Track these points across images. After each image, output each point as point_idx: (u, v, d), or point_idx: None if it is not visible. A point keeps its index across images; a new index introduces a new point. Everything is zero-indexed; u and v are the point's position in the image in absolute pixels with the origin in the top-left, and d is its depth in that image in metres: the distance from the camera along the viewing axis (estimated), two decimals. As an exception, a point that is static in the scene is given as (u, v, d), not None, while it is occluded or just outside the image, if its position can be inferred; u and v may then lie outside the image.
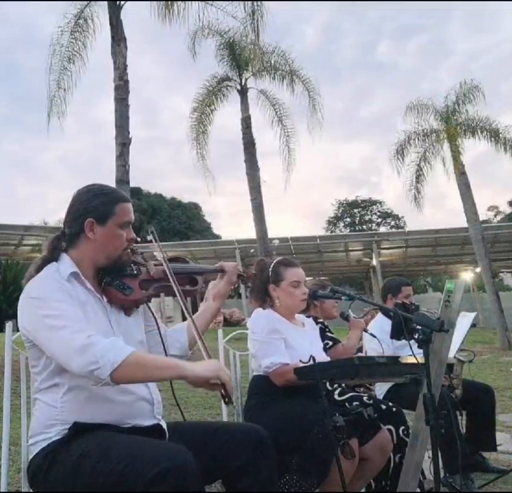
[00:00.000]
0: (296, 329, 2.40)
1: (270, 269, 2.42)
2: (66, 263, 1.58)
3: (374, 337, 2.76)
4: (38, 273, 1.55)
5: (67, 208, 1.64)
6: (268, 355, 2.21)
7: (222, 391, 1.39)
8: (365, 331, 2.92)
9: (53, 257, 1.60)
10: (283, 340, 2.27)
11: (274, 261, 2.46)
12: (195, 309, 1.82)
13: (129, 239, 1.64)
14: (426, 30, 77.79)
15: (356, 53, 76.00)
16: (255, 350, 2.30)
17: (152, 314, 1.77)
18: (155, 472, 1.24)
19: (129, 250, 1.66)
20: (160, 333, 1.74)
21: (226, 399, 1.39)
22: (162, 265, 1.72)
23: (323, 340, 2.75)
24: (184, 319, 1.82)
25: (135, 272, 1.67)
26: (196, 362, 1.43)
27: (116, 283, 1.62)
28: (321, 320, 2.91)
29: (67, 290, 1.50)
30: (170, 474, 1.24)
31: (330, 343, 2.80)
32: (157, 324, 1.76)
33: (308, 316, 2.82)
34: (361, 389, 2.65)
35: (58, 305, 1.44)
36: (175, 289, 1.66)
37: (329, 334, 2.87)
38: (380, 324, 3.13)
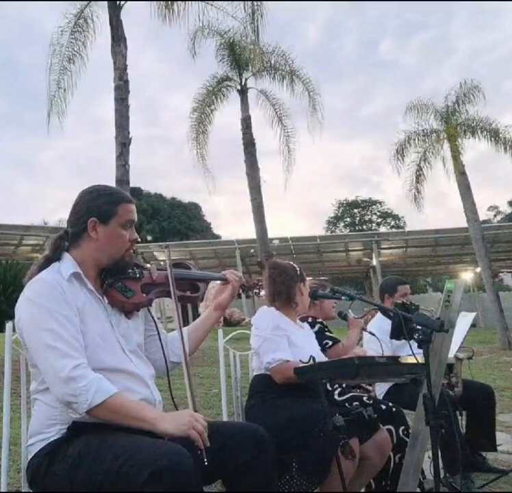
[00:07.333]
0: (298, 329, 2.44)
1: (298, 268, 2.50)
2: (67, 263, 1.58)
3: (373, 335, 2.76)
4: (40, 272, 1.55)
5: (71, 208, 1.64)
6: (271, 351, 2.22)
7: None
8: (364, 329, 2.94)
9: (55, 256, 1.60)
10: (287, 338, 2.28)
11: (291, 263, 2.54)
12: (195, 310, 1.83)
13: (131, 240, 1.64)
14: (429, 28, 77.83)
15: (358, 50, 76.11)
16: (258, 346, 2.30)
17: (153, 319, 1.76)
18: (151, 471, 1.24)
19: (131, 251, 1.66)
20: (160, 340, 1.74)
21: (199, 451, 1.36)
22: (165, 269, 1.72)
23: (323, 340, 2.76)
24: (185, 322, 1.81)
25: (138, 275, 1.67)
26: (171, 415, 1.42)
27: (118, 285, 1.61)
28: (320, 320, 2.92)
29: (65, 295, 1.49)
30: (166, 473, 1.23)
31: (330, 343, 2.80)
32: (157, 330, 1.75)
33: (307, 316, 2.83)
34: (358, 390, 2.65)
35: (56, 319, 1.44)
36: (173, 298, 1.65)
37: (329, 334, 2.87)
38: (379, 323, 3.13)
